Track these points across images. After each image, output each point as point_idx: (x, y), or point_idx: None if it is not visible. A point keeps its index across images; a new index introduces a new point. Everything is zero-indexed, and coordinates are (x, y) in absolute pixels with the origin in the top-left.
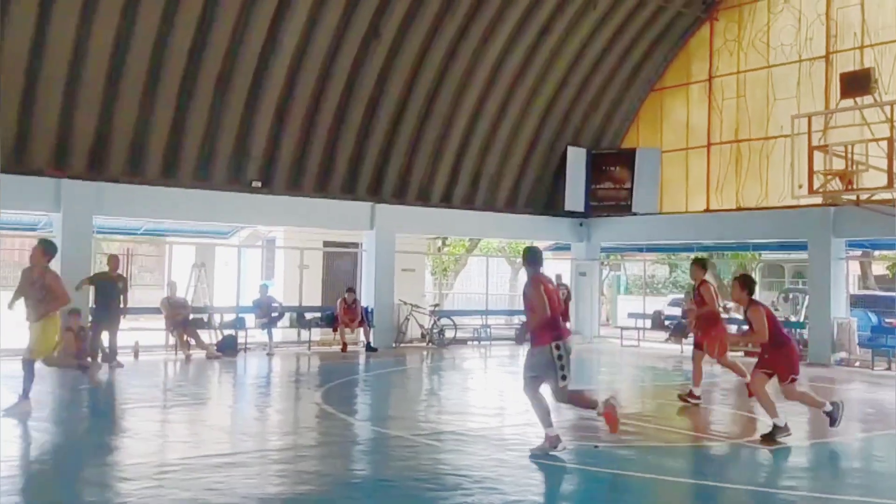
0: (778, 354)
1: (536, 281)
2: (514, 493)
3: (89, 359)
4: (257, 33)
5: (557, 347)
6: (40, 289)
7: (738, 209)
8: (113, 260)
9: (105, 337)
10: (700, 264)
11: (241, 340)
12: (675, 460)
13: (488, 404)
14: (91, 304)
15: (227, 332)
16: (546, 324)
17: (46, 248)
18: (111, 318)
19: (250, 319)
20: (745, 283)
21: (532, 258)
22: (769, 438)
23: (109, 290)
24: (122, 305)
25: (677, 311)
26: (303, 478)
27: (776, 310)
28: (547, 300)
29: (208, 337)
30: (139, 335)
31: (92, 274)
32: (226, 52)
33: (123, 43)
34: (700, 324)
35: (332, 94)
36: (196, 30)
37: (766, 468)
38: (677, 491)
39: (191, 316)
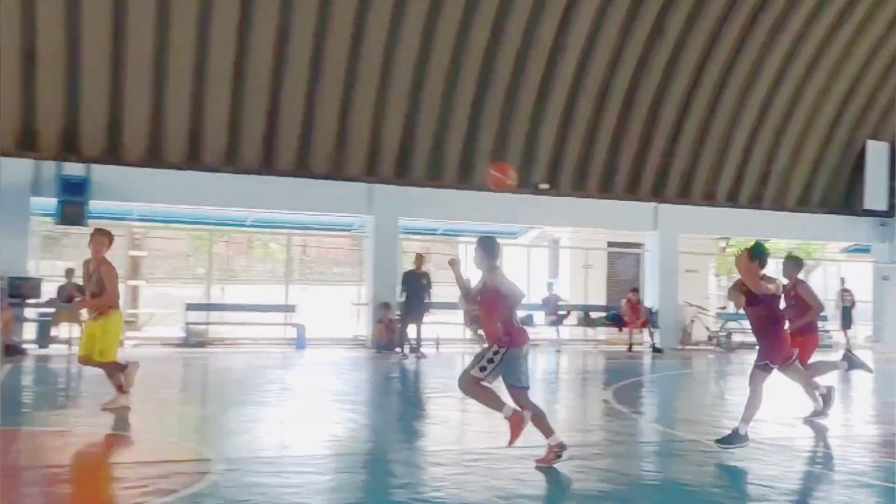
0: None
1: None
2: None
3: (397, 349)
4: (545, 36)
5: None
6: (96, 283)
7: None
8: (419, 258)
9: (412, 329)
10: (796, 261)
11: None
12: None
13: (781, 413)
14: (400, 298)
15: None
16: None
17: (109, 235)
18: (418, 311)
19: (539, 316)
20: (753, 254)
21: (490, 248)
22: (727, 441)
23: (416, 286)
24: (427, 300)
25: None
26: (601, 475)
27: None
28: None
29: None
30: (439, 329)
31: (401, 273)
32: (515, 58)
33: (424, 58)
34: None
35: (616, 94)
36: (488, 40)
37: None
38: None
39: None
